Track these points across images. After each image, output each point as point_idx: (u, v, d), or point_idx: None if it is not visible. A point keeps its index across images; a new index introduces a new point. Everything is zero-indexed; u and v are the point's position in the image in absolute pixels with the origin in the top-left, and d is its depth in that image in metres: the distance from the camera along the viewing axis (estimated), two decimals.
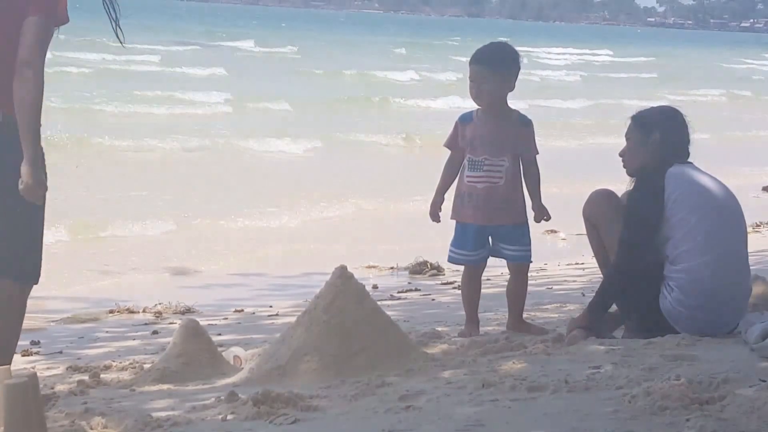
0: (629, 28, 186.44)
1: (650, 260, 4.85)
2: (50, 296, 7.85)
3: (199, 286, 8.50)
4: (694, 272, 4.77)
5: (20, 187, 4.13)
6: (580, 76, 43.48)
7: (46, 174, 4.18)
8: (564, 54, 61.76)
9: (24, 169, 4.12)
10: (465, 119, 5.44)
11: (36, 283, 4.35)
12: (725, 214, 4.88)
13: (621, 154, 5.13)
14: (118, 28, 4.45)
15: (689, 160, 5.03)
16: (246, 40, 52.18)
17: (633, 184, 5.01)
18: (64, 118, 18.44)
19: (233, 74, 32.81)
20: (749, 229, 10.52)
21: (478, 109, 5.42)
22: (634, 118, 5.10)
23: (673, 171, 4.88)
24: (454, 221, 5.46)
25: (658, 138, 4.98)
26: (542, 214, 5.45)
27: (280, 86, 29.07)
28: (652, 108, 5.21)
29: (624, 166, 5.12)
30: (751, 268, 5.05)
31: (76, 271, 8.77)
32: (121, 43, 4.33)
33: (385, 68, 38.45)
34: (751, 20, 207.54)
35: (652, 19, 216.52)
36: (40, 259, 4.33)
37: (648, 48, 77.89)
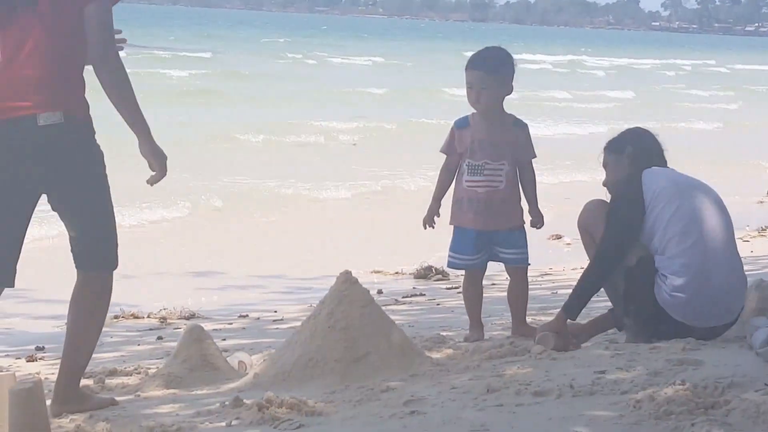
0: (634, 32, 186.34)
1: (641, 256, 4.90)
2: (55, 300, 7.86)
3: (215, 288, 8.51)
4: (685, 256, 4.81)
5: (152, 172, 4.23)
6: (733, 92, 39.69)
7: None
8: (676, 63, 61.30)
9: (145, 148, 4.21)
10: (461, 124, 5.43)
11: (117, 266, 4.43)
12: (705, 201, 4.95)
13: (605, 184, 5.23)
14: None
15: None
16: (373, 57, 48.73)
17: (611, 194, 5.10)
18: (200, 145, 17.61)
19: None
20: (755, 233, 10.68)
21: (473, 113, 5.42)
22: (605, 147, 5.23)
23: (648, 171, 5.00)
24: (452, 226, 5.46)
25: (632, 151, 5.11)
26: (539, 220, 5.47)
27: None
28: (620, 132, 5.31)
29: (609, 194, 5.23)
30: (757, 272, 5.05)
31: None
32: None
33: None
34: (756, 24, 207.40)
35: (657, 24, 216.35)
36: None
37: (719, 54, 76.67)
